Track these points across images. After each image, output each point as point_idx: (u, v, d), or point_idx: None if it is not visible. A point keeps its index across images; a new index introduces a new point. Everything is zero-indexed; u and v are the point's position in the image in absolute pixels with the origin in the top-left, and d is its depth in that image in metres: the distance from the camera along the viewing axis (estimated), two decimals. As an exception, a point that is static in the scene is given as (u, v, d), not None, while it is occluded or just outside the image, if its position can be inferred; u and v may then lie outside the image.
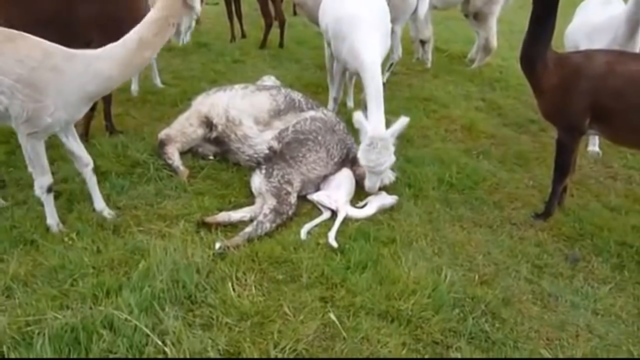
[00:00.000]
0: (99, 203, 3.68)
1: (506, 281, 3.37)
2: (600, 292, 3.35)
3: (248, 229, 3.54)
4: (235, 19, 8.58)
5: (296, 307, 2.95)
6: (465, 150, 5.12)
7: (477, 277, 3.36)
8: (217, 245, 3.34)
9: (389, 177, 4.23)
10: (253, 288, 3.06)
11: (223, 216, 3.68)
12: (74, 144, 3.53)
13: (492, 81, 7.23)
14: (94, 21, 4.21)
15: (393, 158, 4.00)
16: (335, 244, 3.47)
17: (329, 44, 5.21)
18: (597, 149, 5.27)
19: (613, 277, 3.51)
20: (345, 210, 3.82)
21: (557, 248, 3.78)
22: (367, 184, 4.02)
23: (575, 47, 4.96)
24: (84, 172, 3.60)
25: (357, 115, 3.96)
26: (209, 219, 3.62)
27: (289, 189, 3.83)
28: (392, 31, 6.25)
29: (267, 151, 4.14)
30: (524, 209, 4.21)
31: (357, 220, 3.81)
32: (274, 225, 3.62)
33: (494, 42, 7.49)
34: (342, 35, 4.68)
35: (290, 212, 3.76)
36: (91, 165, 3.61)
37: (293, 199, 3.82)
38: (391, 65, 6.69)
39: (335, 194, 3.94)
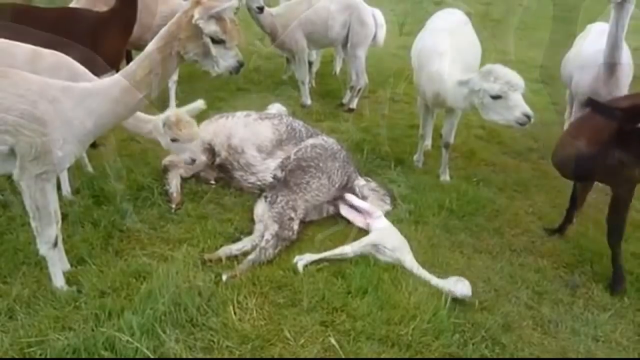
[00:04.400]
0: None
1: (506, 307, 3.38)
2: (600, 318, 3.37)
3: (251, 257, 3.57)
4: None
5: (297, 331, 2.97)
6: (465, 177, 5.18)
7: (477, 302, 3.37)
8: (224, 277, 3.35)
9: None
10: (254, 312, 3.08)
11: (224, 250, 3.65)
12: None
13: (492, 110, 7.29)
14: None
15: None
16: (300, 267, 3.48)
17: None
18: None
19: (613, 304, 3.53)
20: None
21: (556, 275, 3.81)
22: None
23: (569, 77, 5.01)
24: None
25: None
26: (210, 256, 3.57)
27: (292, 215, 3.87)
28: (355, 56, 6.60)
29: (271, 179, 4.20)
30: (523, 235, 4.24)
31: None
32: (276, 250, 3.65)
33: None
34: (420, 65, 4.90)
35: (292, 237, 3.79)
36: None
37: (295, 225, 3.86)
38: (359, 90, 6.78)
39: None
